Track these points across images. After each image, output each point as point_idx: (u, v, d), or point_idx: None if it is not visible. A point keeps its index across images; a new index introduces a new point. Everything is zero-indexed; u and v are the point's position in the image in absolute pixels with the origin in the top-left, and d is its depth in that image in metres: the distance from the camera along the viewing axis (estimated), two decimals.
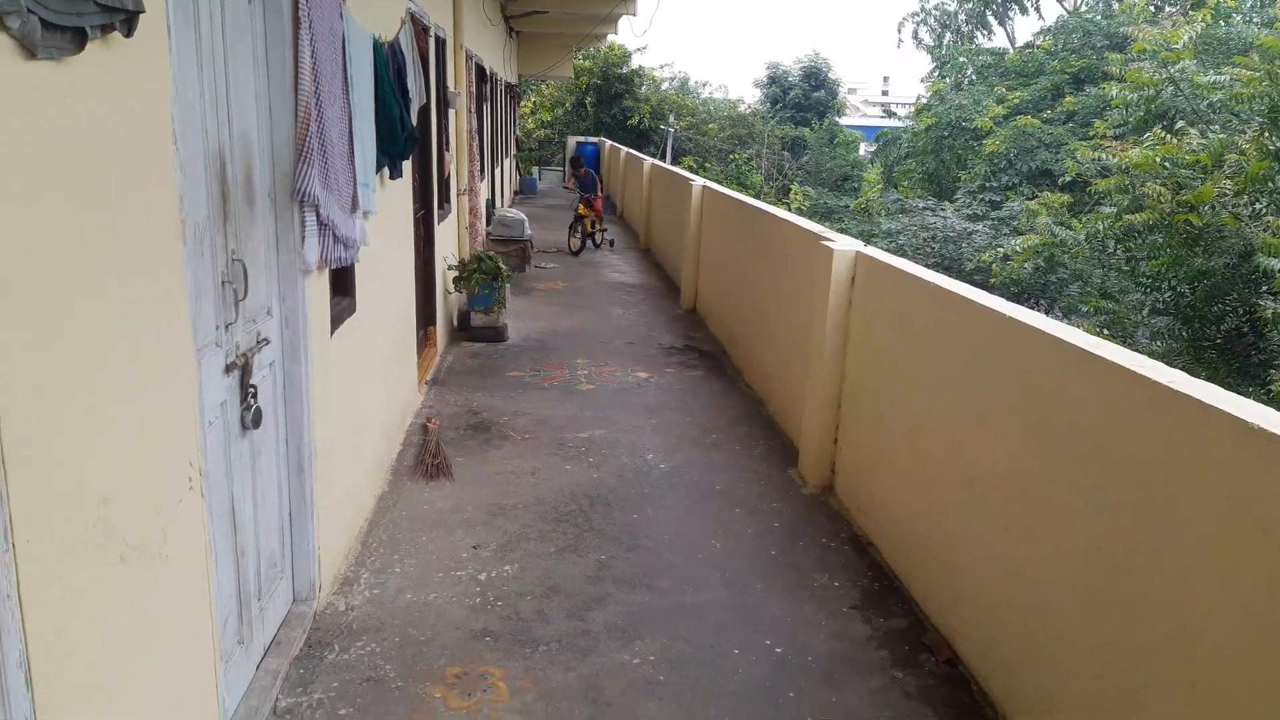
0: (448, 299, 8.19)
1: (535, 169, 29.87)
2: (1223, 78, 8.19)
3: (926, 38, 37.92)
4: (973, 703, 3.23)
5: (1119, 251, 8.39)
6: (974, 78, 25.40)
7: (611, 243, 14.27)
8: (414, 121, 5.45)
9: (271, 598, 3.32)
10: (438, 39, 7.27)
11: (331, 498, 3.80)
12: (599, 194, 13.88)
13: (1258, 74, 7.33)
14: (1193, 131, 8.35)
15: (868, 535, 4.45)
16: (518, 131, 26.50)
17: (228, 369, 2.84)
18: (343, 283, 4.20)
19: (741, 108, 45.78)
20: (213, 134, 2.67)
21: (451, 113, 8.80)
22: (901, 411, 4.16)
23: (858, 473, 4.69)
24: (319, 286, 3.64)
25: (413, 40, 5.75)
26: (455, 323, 8.49)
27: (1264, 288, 6.01)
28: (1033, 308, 14.01)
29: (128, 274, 1.99)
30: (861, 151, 41.62)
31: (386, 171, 4.99)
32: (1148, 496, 2.45)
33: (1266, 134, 6.99)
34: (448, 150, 8.43)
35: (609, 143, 25.93)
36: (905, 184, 24.27)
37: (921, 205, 16.88)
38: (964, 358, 3.59)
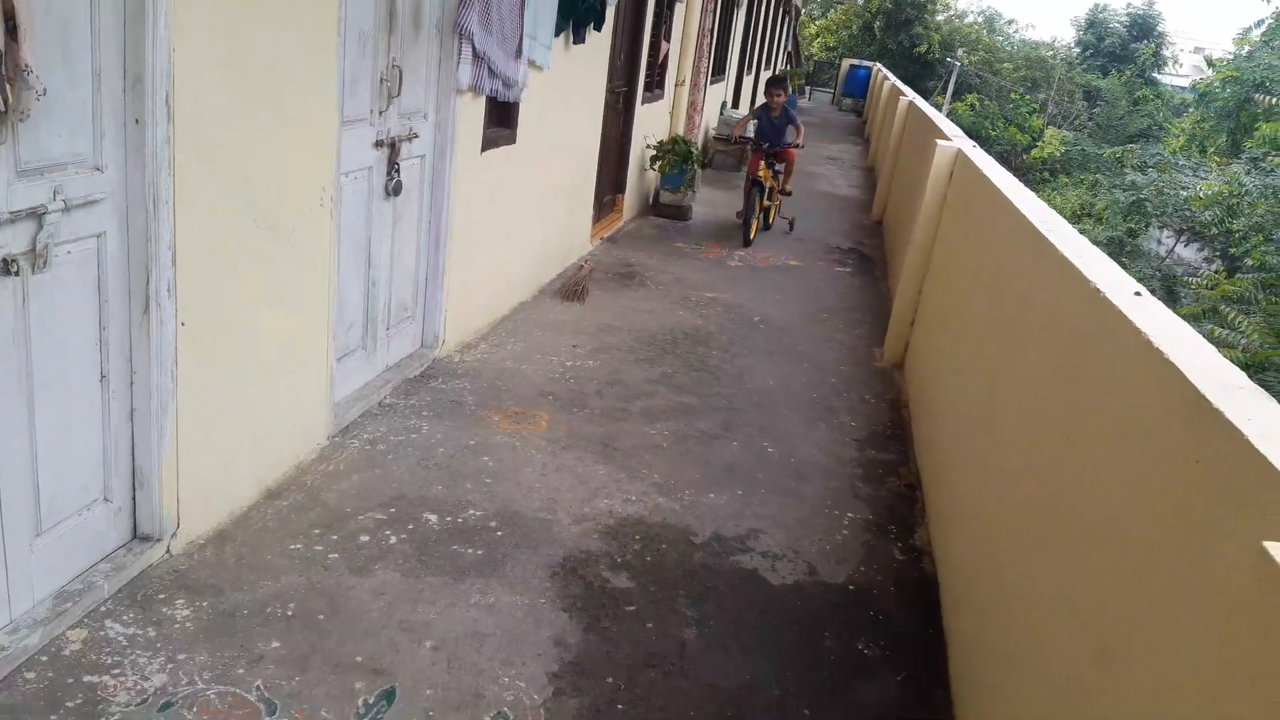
0: (644, 175, 9.11)
1: (806, 87, 30.01)
2: None
3: None
4: (910, 512, 3.83)
5: None
6: None
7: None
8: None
9: (399, 332, 4.45)
10: None
11: (466, 278, 4.86)
12: (796, 142, 8.72)
13: None
14: None
15: (907, 401, 5.00)
16: (790, 46, 26.68)
17: (377, 144, 3.90)
18: (505, 116, 5.18)
19: (1045, 50, 42.94)
20: None
21: (680, 6, 9.58)
22: (952, 294, 4.63)
23: (919, 350, 5.20)
24: (473, 109, 4.64)
25: None
26: (651, 199, 9.41)
27: None
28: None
29: (295, 41, 3.02)
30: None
31: (570, 36, 5.91)
32: (1041, 334, 2.97)
33: None
34: (666, 40, 9.24)
35: (881, 69, 25.52)
36: (1211, 146, 22.32)
37: (1182, 163, 15.72)
38: (987, 244, 4.04)
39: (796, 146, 8.77)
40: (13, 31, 2.05)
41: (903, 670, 2.85)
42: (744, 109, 16.75)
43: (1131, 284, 2.25)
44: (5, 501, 2.34)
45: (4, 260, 2.22)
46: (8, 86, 2.09)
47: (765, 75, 21.43)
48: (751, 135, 8.77)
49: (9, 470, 2.34)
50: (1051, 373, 2.50)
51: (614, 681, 2.61)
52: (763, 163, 8.46)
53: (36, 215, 2.27)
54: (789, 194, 9.23)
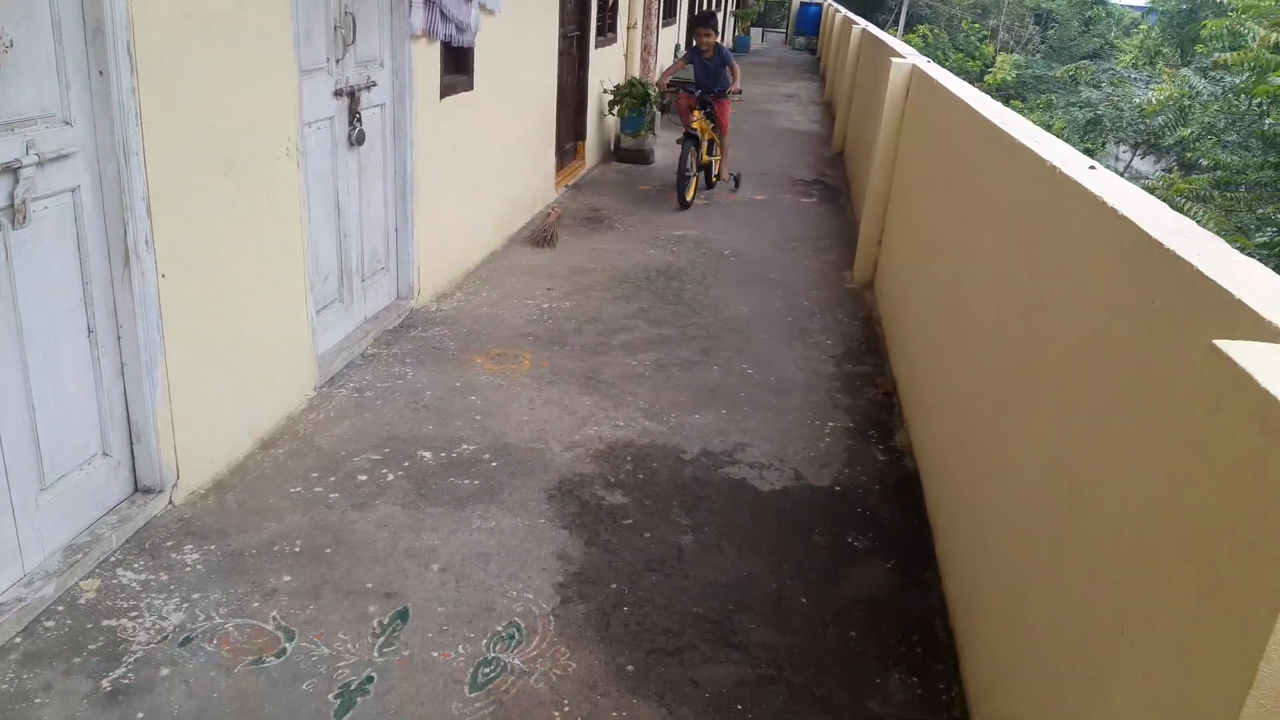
0: (603, 122, 9.09)
1: (757, 30, 29.77)
2: None
3: None
4: (888, 417, 3.95)
5: (1252, 107, 8.00)
6: None
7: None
8: None
9: (374, 283, 4.48)
10: None
11: (435, 228, 4.88)
12: (730, 93, 7.60)
13: None
14: None
15: (880, 317, 5.10)
16: None
17: (337, 94, 3.90)
18: (461, 62, 5.17)
19: None
20: None
21: None
22: (915, 205, 4.72)
23: (888, 267, 5.29)
24: (429, 54, 4.63)
25: None
26: (612, 145, 9.39)
27: None
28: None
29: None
30: None
31: None
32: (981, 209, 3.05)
33: None
34: None
35: (832, 3, 25.33)
36: (1161, 60, 22.47)
37: (1134, 76, 15.85)
38: (947, 149, 4.12)
39: (735, 93, 7.62)
40: None
41: (891, 558, 2.97)
42: None
43: (1086, 160, 2.34)
44: (8, 456, 2.38)
45: None
46: None
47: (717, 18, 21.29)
48: (690, 80, 7.73)
49: (8, 425, 2.38)
50: (1013, 251, 2.59)
51: (618, 587, 2.71)
52: (697, 112, 7.39)
53: (12, 170, 2.28)
54: (728, 169, 8.15)
